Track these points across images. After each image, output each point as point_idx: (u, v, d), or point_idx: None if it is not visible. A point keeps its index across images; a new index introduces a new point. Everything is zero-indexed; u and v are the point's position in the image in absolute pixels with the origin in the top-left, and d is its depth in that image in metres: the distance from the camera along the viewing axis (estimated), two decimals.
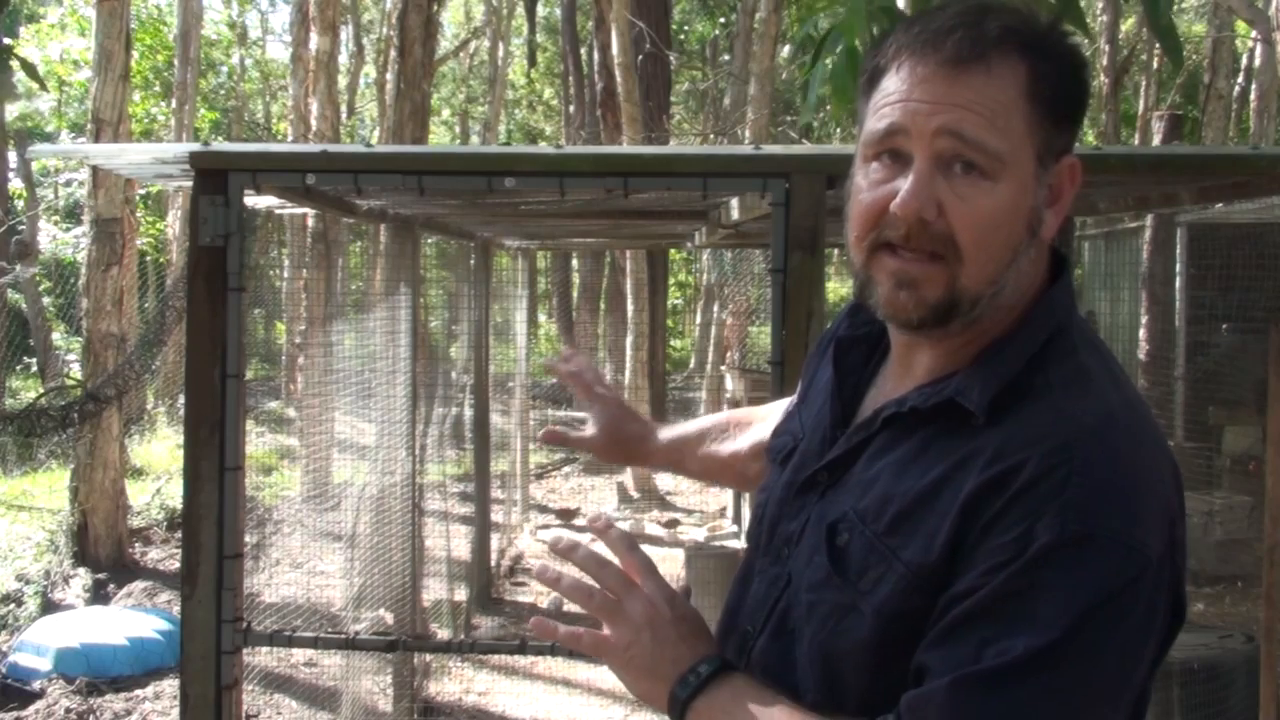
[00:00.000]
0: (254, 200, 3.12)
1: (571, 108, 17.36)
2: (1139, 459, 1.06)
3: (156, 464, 10.90)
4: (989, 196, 1.09)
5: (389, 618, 4.89)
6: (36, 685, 5.45)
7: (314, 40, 12.02)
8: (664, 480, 10.74)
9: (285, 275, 10.03)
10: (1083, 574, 0.99)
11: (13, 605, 6.73)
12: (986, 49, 1.09)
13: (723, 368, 10.58)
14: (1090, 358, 1.13)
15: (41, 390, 11.17)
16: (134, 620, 6.04)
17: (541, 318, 20.92)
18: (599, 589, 1.19)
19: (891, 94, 1.12)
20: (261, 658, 5.03)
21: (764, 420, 1.68)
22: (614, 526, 1.22)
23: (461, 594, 6.50)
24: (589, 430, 1.76)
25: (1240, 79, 15.39)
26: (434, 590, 6.04)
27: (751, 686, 1.15)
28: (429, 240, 5.92)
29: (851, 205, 1.17)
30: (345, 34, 20.16)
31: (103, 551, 7.63)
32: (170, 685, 5.37)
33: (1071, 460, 1.02)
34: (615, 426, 1.75)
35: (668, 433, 1.79)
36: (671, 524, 9.41)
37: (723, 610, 1.33)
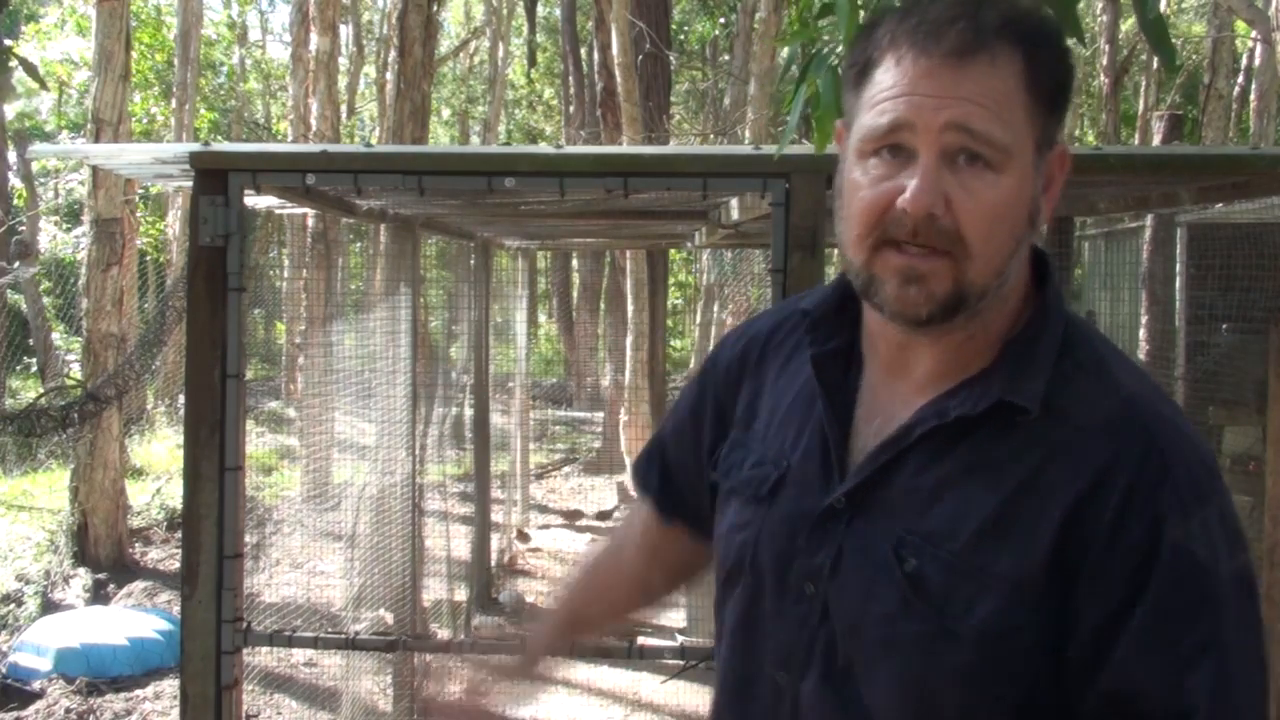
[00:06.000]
0: (254, 200, 3.12)
1: (571, 108, 17.35)
2: (1186, 422, 1.11)
3: (156, 464, 10.90)
4: (994, 189, 1.07)
5: (389, 618, 4.88)
6: (36, 685, 5.45)
7: (314, 40, 12.03)
8: None
9: (285, 275, 10.02)
10: (1215, 537, 1.04)
11: (13, 605, 6.73)
12: (989, 39, 1.07)
13: None
14: (1098, 340, 1.17)
15: (41, 390, 11.16)
16: (134, 620, 6.04)
17: (541, 318, 20.93)
18: None
19: (891, 87, 1.09)
20: (261, 658, 5.04)
21: (636, 552, 1.51)
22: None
23: (461, 594, 6.50)
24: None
25: (1240, 79, 15.38)
26: (434, 590, 6.04)
27: None
28: (429, 240, 5.91)
29: (848, 203, 1.13)
30: (345, 34, 20.16)
31: (103, 551, 7.63)
32: (170, 685, 5.37)
33: (1156, 441, 1.06)
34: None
35: (548, 633, 1.54)
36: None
37: (726, 662, 1.25)
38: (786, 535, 1.18)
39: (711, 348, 1.47)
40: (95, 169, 7.32)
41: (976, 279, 1.09)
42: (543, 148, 5.44)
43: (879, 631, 1.10)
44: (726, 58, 18.25)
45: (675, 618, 6.72)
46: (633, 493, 1.58)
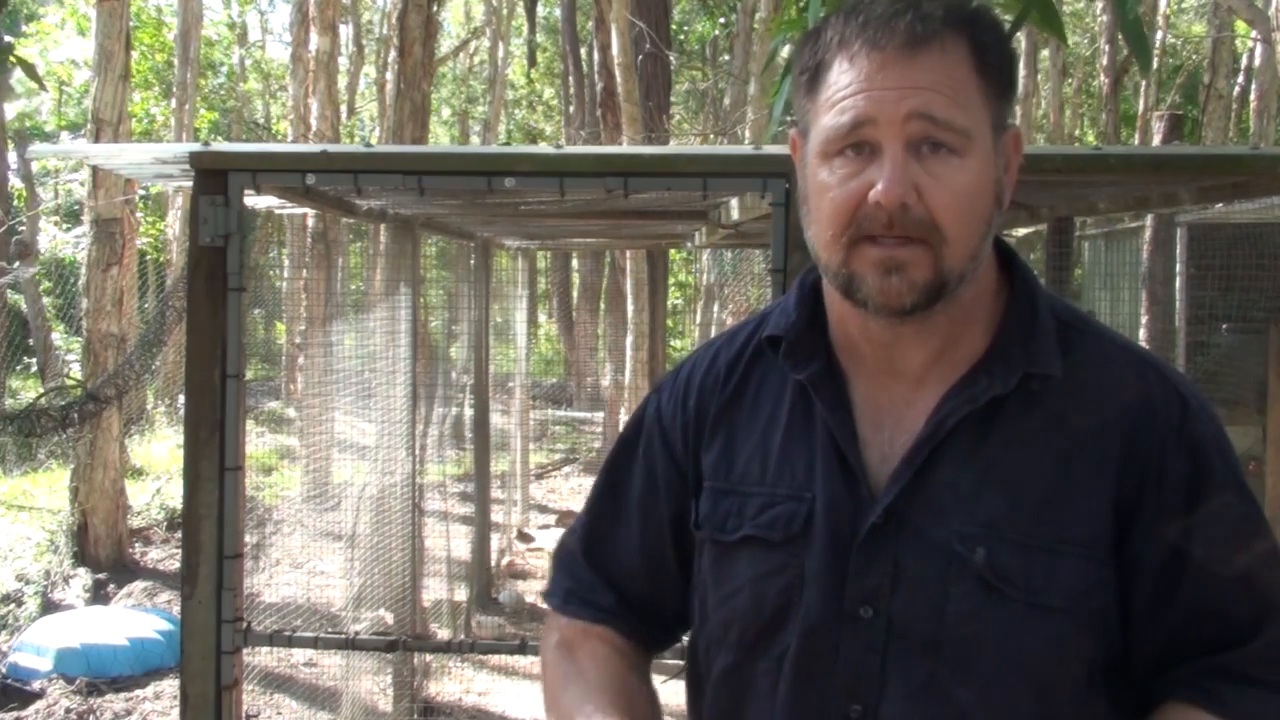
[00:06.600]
0: (254, 200, 3.12)
1: (571, 108, 17.36)
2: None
3: (156, 464, 10.90)
4: (961, 173, 1.09)
5: (389, 618, 4.88)
6: (36, 685, 5.45)
7: (314, 40, 12.04)
8: None
9: (285, 275, 10.03)
10: (1229, 444, 1.16)
11: (13, 605, 6.73)
12: (937, 28, 1.10)
13: None
14: (1073, 307, 1.24)
15: (41, 390, 11.16)
16: (134, 620, 6.04)
17: (541, 318, 20.91)
18: None
19: (849, 85, 1.10)
20: (261, 658, 5.03)
21: (619, 659, 1.32)
22: None
23: (461, 594, 6.50)
24: None
25: (1240, 79, 15.38)
26: (434, 590, 6.04)
27: None
28: (429, 240, 5.91)
29: (817, 206, 1.15)
30: (345, 34, 20.15)
31: (103, 551, 7.63)
32: (170, 685, 5.37)
33: (1168, 378, 1.16)
34: None
35: None
36: None
37: (783, 712, 1.18)
38: (832, 566, 1.15)
39: (634, 416, 1.38)
40: (95, 169, 7.32)
41: (954, 264, 1.11)
42: (543, 148, 5.45)
43: (964, 630, 1.10)
44: (726, 58, 18.25)
45: None
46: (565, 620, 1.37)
